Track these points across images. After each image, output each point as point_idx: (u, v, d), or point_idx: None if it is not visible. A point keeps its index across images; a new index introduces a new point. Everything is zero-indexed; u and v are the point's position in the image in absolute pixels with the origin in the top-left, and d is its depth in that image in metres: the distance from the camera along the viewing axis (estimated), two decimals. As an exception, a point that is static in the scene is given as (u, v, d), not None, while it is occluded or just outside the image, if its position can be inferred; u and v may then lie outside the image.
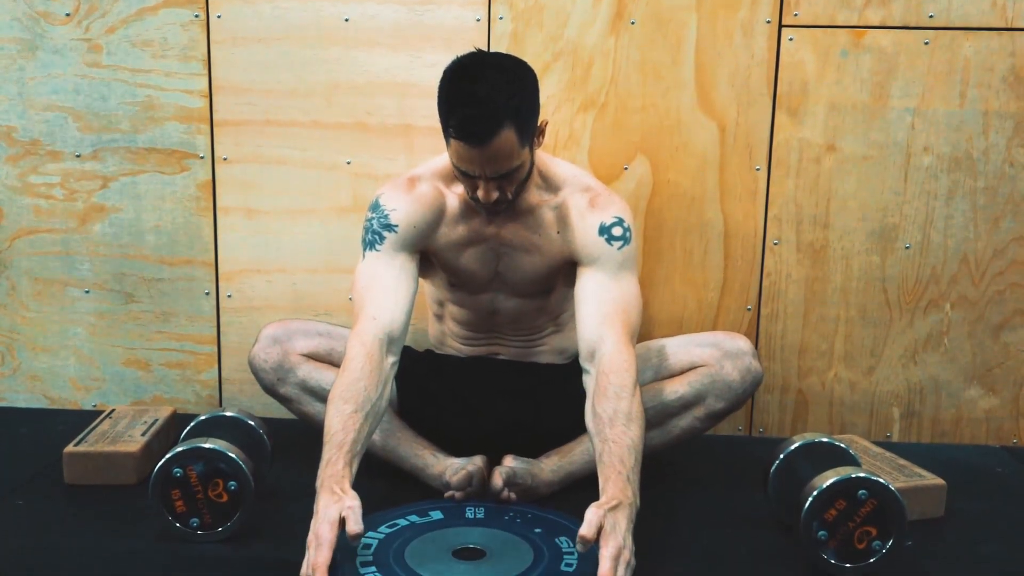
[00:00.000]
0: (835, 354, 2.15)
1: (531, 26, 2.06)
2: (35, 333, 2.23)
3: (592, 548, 1.32)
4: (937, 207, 2.08)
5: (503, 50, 2.03)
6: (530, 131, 1.59)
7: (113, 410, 2.02)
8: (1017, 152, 2.05)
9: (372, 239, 1.70)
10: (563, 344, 1.91)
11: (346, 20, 2.07)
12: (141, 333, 2.22)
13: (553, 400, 1.82)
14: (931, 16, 2.01)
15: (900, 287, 2.12)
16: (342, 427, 1.48)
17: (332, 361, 1.80)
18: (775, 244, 2.11)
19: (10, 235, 2.19)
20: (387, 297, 1.66)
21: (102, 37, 2.10)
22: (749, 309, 2.14)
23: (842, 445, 1.63)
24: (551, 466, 1.76)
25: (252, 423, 1.73)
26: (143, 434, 1.88)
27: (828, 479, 1.45)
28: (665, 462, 1.88)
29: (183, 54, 2.10)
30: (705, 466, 1.97)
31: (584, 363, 1.63)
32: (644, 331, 1.94)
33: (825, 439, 1.64)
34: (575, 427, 1.69)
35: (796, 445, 1.63)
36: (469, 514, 1.64)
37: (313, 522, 1.37)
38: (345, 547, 1.37)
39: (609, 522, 1.32)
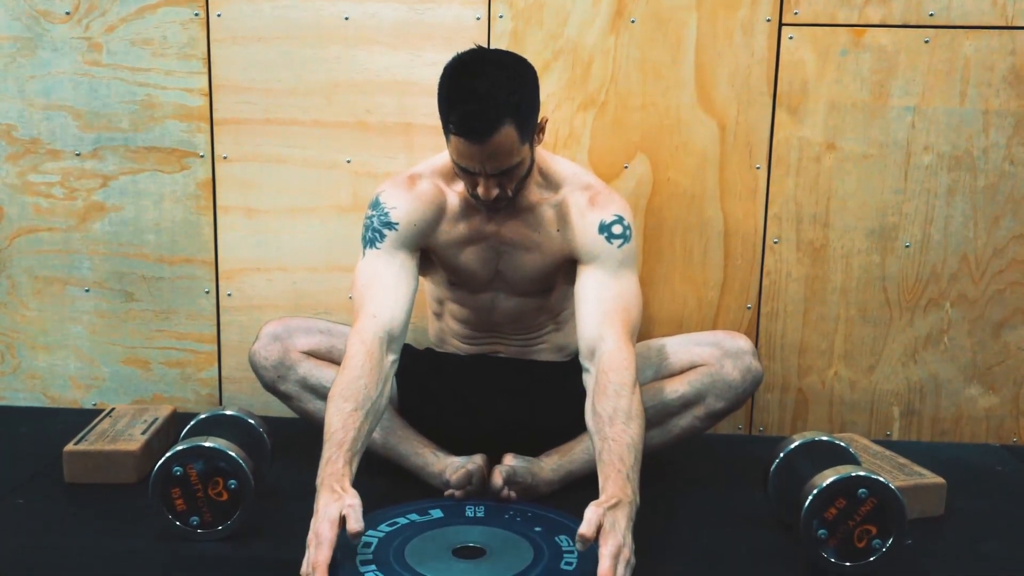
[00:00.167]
0: (835, 353, 2.15)
1: (531, 24, 2.06)
2: (35, 332, 2.23)
3: (592, 546, 1.32)
4: (937, 206, 2.08)
5: (503, 49, 2.02)
6: (530, 128, 1.59)
7: (113, 409, 2.02)
8: (1017, 151, 2.05)
9: (372, 237, 1.70)
10: (563, 342, 1.91)
11: (346, 19, 2.07)
12: (141, 332, 2.22)
13: (553, 398, 1.82)
14: (931, 15, 2.01)
15: (900, 286, 2.12)
16: (342, 425, 1.48)
17: (332, 359, 1.80)
18: (775, 243, 2.11)
19: (10, 234, 2.19)
20: (387, 295, 1.65)
21: (102, 36, 2.10)
22: (749, 308, 2.14)
23: (842, 444, 1.63)
24: (551, 465, 1.76)
25: (252, 422, 1.73)
26: (143, 433, 1.88)
27: (828, 478, 1.45)
28: (665, 461, 1.88)
29: (183, 53, 2.10)
30: (705, 465, 1.97)
31: (584, 361, 1.63)
32: (644, 330, 1.94)
33: (825, 438, 1.64)
34: (575, 425, 1.69)
35: (796, 444, 1.63)
36: (469, 512, 1.64)
37: (313, 521, 1.37)
38: (345, 546, 1.37)
39: (609, 520, 1.32)
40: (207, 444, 1.54)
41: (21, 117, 2.14)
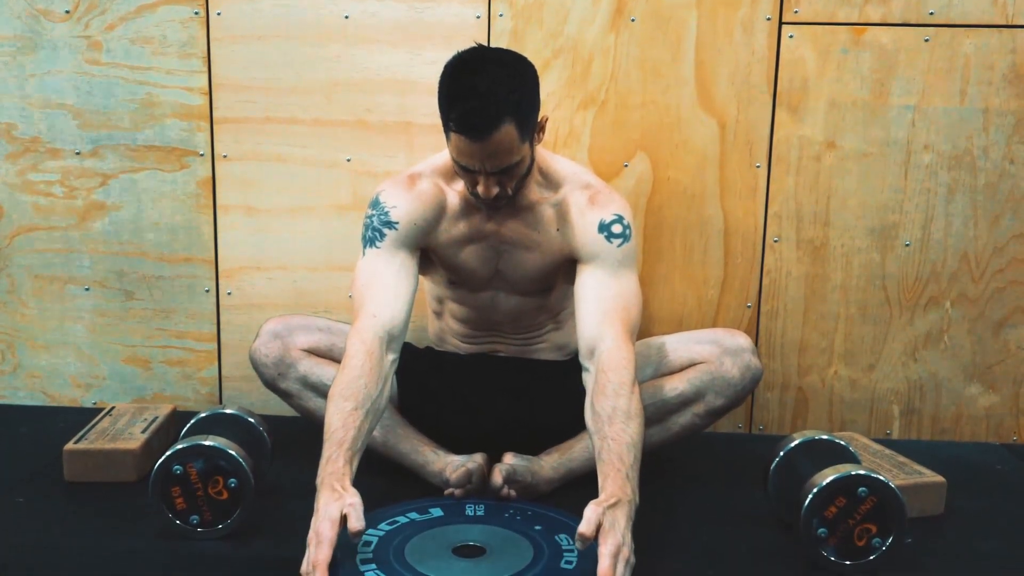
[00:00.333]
0: (835, 351, 2.15)
1: (531, 23, 2.05)
2: (35, 331, 2.23)
3: (592, 545, 1.32)
4: (937, 204, 2.08)
5: (503, 47, 2.02)
6: (530, 126, 1.59)
7: (113, 407, 2.03)
8: (1017, 149, 2.05)
9: (372, 236, 1.70)
10: (563, 341, 1.91)
11: (346, 17, 2.07)
12: (141, 331, 2.22)
13: (553, 397, 1.82)
14: (931, 13, 2.01)
15: (900, 284, 2.12)
16: (342, 425, 1.48)
17: (333, 357, 1.80)
18: (775, 241, 2.11)
19: (10, 233, 2.19)
20: (387, 294, 1.65)
21: (102, 34, 2.10)
22: (749, 306, 2.14)
23: (842, 442, 1.63)
24: (551, 463, 1.76)
25: (252, 420, 1.73)
26: (143, 431, 1.88)
27: (828, 476, 1.45)
28: (665, 459, 1.88)
29: (183, 51, 2.10)
30: (705, 463, 1.97)
31: (584, 361, 1.63)
32: (644, 329, 1.94)
33: (825, 436, 1.64)
34: (575, 424, 1.69)
35: (796, 442, 1.63)
36: (469, 511, 1.64)
37: (313, 520, 1.37)
38: (345, 544, 1.37)
39: (608, 520, 1.32)
40: (207, 443, 1.54)
41: (21, 116, 2.14)
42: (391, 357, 1.62)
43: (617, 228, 1.69)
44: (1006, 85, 2.02)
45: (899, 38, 2.02)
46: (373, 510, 1.53)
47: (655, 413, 1.74)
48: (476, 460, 1.71)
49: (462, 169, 1.61)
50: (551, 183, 1.74)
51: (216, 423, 1.71)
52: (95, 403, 2.25)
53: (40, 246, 2.19)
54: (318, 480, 1.43)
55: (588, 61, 2.06)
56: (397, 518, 1.59)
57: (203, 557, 1.51)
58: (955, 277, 2.11)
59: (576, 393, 1.63)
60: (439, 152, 1.76)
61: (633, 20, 2.04)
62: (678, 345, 1.83)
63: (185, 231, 2.17)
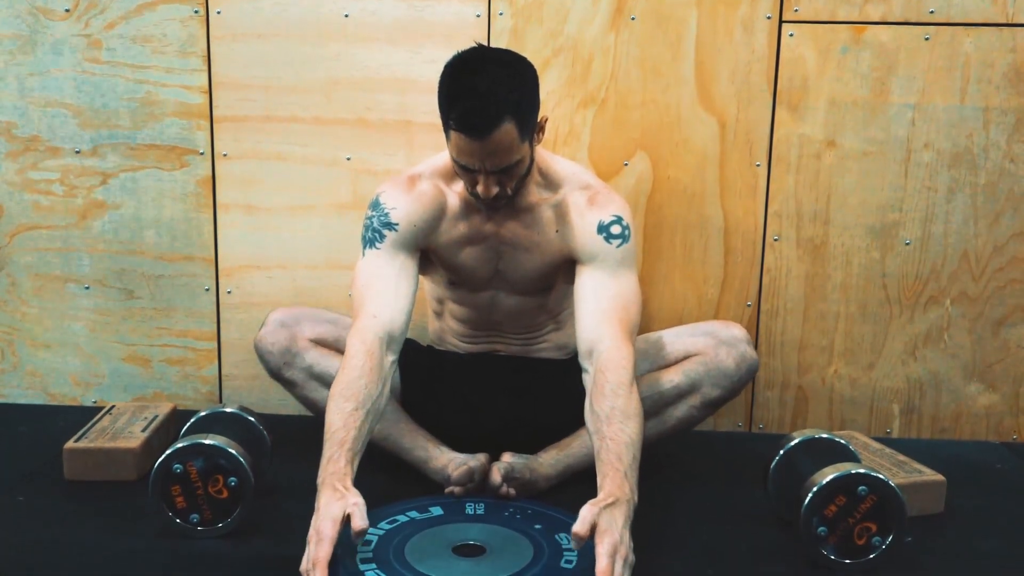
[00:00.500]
0: (835, 350, 2.15)
1: (531, 22, 2.05)
2: (35, 330, 2.23)
3: (592, 545, 1.32)
4: (937, 203, 2.08)
5: (503, 46, 2.03)
6: (530, 126, 1.59)
7: (113, 406, 2.03)
8: (1018, 148, 2.05)
9: (372, 237, 1.70)
10: (563, 341, 1.91)
11: (346, 16, 2.07)
12: (141, 329, 2.22)
13: (553, 396, 1.83)
14: (931, 12, 2.01)
15: (900, 283, 2.12)
16: (343, 424, 1.48)
17: (339, 348, 1.79)
18: (775, 240, 2.11)
19: (10, 231, 2.19)
20: (387, 295, 1.65)
21: (101, 33, 2.09)
22: (749, 305, 2.14)
23: (842, 441, 1.63)
24: (549, 460, 1.76)
25: (252, 419, 1.73)
26: (143, 430, 1.88)
27: (828, 475, 1.45)
28: (665, 457, 1.88)
29: (183, 50, 2.10)
30: (705, 462, 1.97)
31: (583, 361, 1.63)
32: (644, 328, 1.94)
33: (825, 435, 1.64)
34: (575, 423, 1.69)
35: (796, 441, 1.63)
36: (469, 510, 1.64)
37: (314, 518, 1.37)
38: (346, 543, 1.37)
39: (605, 519, 1.32)
40: (207, 441, 1.55)
41: (21, 114, 2.14)
42: (391, 358, 1.62)
43: (616, 229, 1.69)
44: (1006, 84, 2.02)
45: (899, 37, 2.02)
46: (373, 509, 1.52)
47: (652, 406, 1.74)
48: (479, 459, 1.71)
49: (462, 169, 1.61)
50: (550, 184, 1.74)
51: (216, 422, 1.71)
52: (95, 402, 2.25)
53: (40, 245, 2.19)
54: (319, 479, 1.43)
55: (588, 60, 2.06)
56: (397, 517, 1.59)
57: (203, 556, 1.51)
58: (955, 276, 2.11)
59: (576, 392, 1.63)
60: (439, 151, 1.76)
61: (633, 19, 2.04)
62: (674, 338, 1.84)
63: (185, 230, 2.17)
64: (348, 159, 2.12)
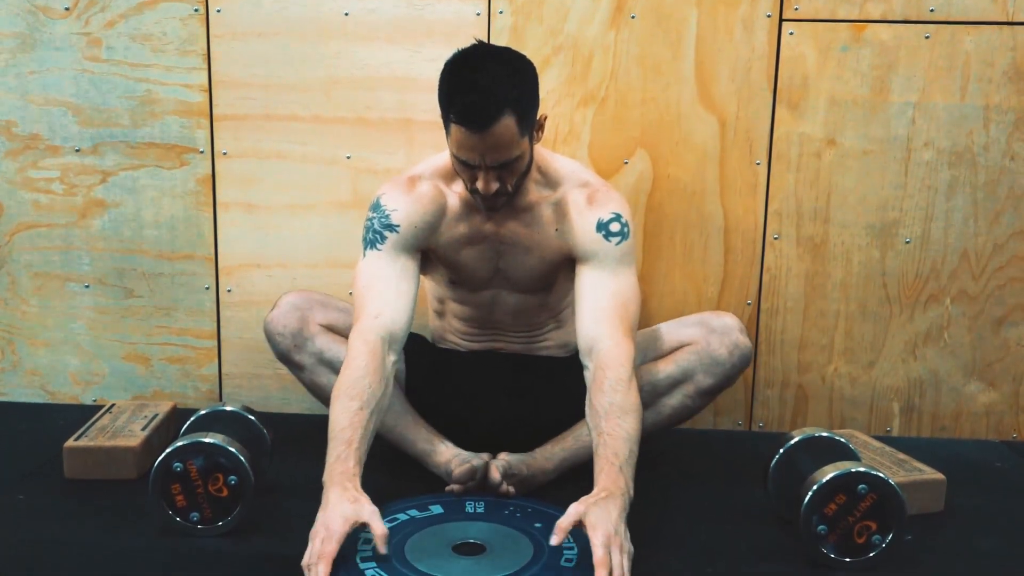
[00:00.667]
0: (835, 349, 2.15)
1: (531, 20, 2.05)
2: (35, 328, 2.23)
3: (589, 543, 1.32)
4: (937, 202, 2.08)
5: (503, 44, 2.02)
6: (530, 122, 1.59)
7: (113, 405, 2.03)
8: (1018, 146, 2.05)
9: (373, 238, 1.70)
10: (565, 339, 1.91)
11: (346, 14, 2.06)
12: (141, 328, 2.22)
13: (555, 394, 1.83)
14: (932, 10, 2.00)
15: (900, 282, 2.12)
16: (349, 424, 1.49)
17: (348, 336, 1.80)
18: (775, 239, 2.11)
19: (9, 230, 2.19)
20: (388, 295, 1.66)
21: (101, 31, 2.09)
22: (749, 304, 2.14)
23: (842, 440, 1.63)
24: (545, 454, 1.77)
25: (252, 418, 1.73)
26: (143, 429, 1.88)
27: (828, 473, 1.45)
28: (665, 455, 1.88)
29: (182, 48, 2.09)
30: (705, 461, 1.97)
31: (583, 358, 1.64)
32: (643, 326, 1.94)
33: (825, 434, 1.64)
34: (576, 421, 1.70)
35: (796, 440, 1.63)
36: (469, 508, 1.64)
37: (322, 514, 1.38)
38: (347, 542, 1.37)
39: (596, 513, 1.34)
40: (207, 440, 1.55)
41: (21, 113, 2.14)
42: (393, 358, 1.63)
43: (615, 227, 1.69)
44: (1006, 82, 2.02)
45: (899, 35, 2.02)
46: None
47: (646, 397, 1.74)
48: (482, 458, 1.72)
49: (462, 165, 1.61)
50: (549, 182, 1.74)
51: (216, 420, 1.71)
52: (95, 400, 2.25)
53: (40, 243, 2.19)
54: (325, 477, 1.44)
55: (588, 58, 2.06)
56: (397, 515, 1.59)
57: (203, 554, 1.51)
58: (955, 274, 2.11)
59: (578, 390, 1.64)
60: (439, 150, 1.76)
61: (633, 17, 2.04)
62: (667, 331, 1.86)
63: (185, 228, 2.17)
64: (348, 158, 2.12)
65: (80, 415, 2.00)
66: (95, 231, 2.18)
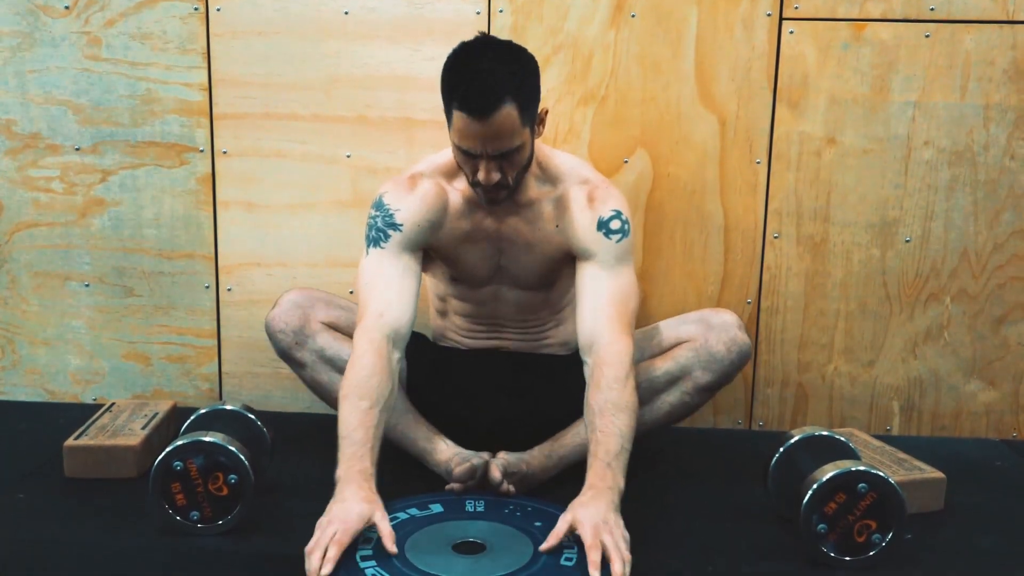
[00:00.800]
0: (835, 347, 2.15)
1: (531, 19, 2.05)
2: (35, 327, 2.23)
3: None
4: (937, 201, 2.08)
5: (503, 43, 2.02)
6: (531, 113, 1.60)
7: (113, 404, 2.03)
8: (1018, 146, 2.05)
9: (376, 237, 1.70)
10: (566, 337, 1.91)
11: (346, 13, 2.06)
12: (141, 327, 2.22)
13: (556, 392, 1.83)
14: (932, 9, 2.00)
15: (900, 281, 2.12)
16: (360, 423, 1.50)
17: (350, 335, 1.79)
18: (775, 238, 2.11)
19: (9, 228, 2.19)
20: (392, 294, 1.66)
21: (101, 30, 2.09)
22: (749, 303, 2.14)
23: (842, 438, 1.63)
24: (543, 452, 1.77)
25: (252, 417, 1.73)
26: (143, 427, 1.88)
27: (828, 472, 1.45)
28: (665, 453, 1.88)
29: (182, 47, 2.09)
30: (705, 459, 1.97)
31: (583, 355, 1.65)
32: (643, 325, 1.94)
33: (825, 432, 1.64)
34: (576, 419, 1.69)
35: (796, 438, 1.63)
36: (469, 507, 1.64)
37: (338, 505, 1.41)
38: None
39: (583, 512, 1.38)
40: (207, 439, 1.55)
41: (21, 112, 2.14)
42: (397, 356, 1.64)
43: (615, 224, 1.69)
44: (1007, 81, 2.02)
45: (899, 34, 2.02)
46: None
47: (644, 393, 1.74)
48: (482, 456, 1.72)
49: (463, 154, 1.61)
50: (550, 178, 1.75)
51: (216, 419, 1.71)
52: (95, 399, 2.25)
53: (40, 242, 2.19)
54: (341, 473, 1.46)
55: (588, 57, 2.06)
56: (397, 514, 1.59)
57: (203, 553, 1.51)
58: (955, 273, 2.11)
59: (579, 389, 1.64)
60: (439, 149, 1.76)
61: (633, 16, 2.04)
62: (666, 328, 1.86)
63: (185, 227, 2.17)
64: (348, 156, 2.12)
65: (80, 414, 2.00)
66: (95, 230, 2.18)
